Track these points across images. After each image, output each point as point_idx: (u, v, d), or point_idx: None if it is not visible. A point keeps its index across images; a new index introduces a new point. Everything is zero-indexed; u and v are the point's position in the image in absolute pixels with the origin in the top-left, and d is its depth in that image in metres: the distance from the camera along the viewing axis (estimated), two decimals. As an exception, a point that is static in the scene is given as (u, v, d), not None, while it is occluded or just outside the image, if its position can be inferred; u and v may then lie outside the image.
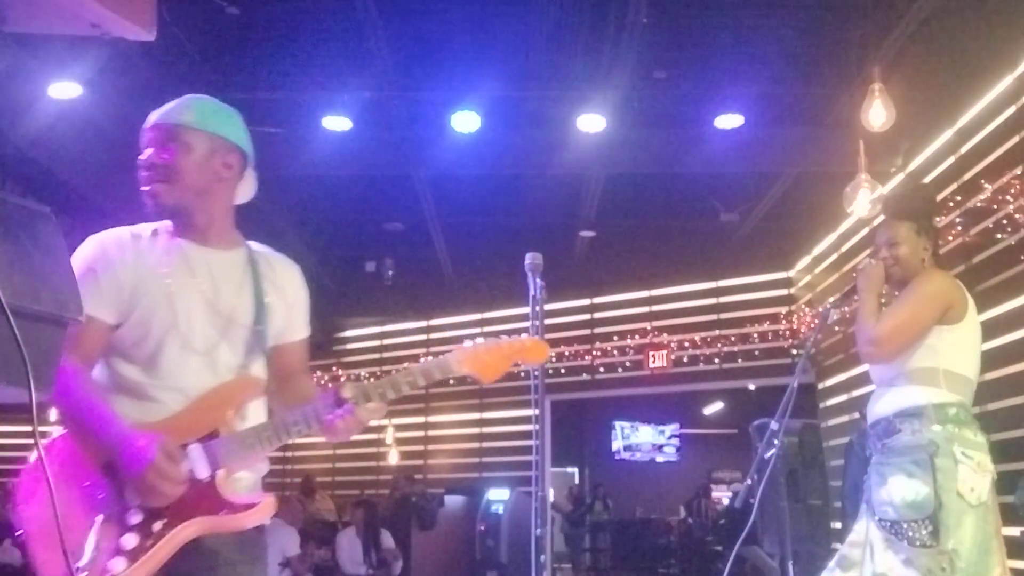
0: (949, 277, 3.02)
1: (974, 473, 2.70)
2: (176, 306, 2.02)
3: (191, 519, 1.89)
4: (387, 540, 8.00)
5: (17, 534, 1.88)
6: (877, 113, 5.52)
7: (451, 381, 13.08)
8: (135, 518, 1.86)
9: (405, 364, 2.14)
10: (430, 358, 2.20)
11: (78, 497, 1.87)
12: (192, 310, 2.04)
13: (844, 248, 8.70)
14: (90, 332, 1.96)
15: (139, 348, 2.00)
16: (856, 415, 7.58)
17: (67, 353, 1.90)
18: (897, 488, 2.73)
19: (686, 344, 10.56)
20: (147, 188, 2.15)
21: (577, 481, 16.72)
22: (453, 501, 9.90)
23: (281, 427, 2.05)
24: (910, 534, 2.66)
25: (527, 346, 2.18)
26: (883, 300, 3.03)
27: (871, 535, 2.80)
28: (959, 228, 6.29)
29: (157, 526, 1.87)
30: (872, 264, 3.04)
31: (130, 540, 1.84)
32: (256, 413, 2.10)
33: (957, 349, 2.86)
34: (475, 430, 11.78)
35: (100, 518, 1.85)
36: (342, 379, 12.57)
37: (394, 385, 2.11)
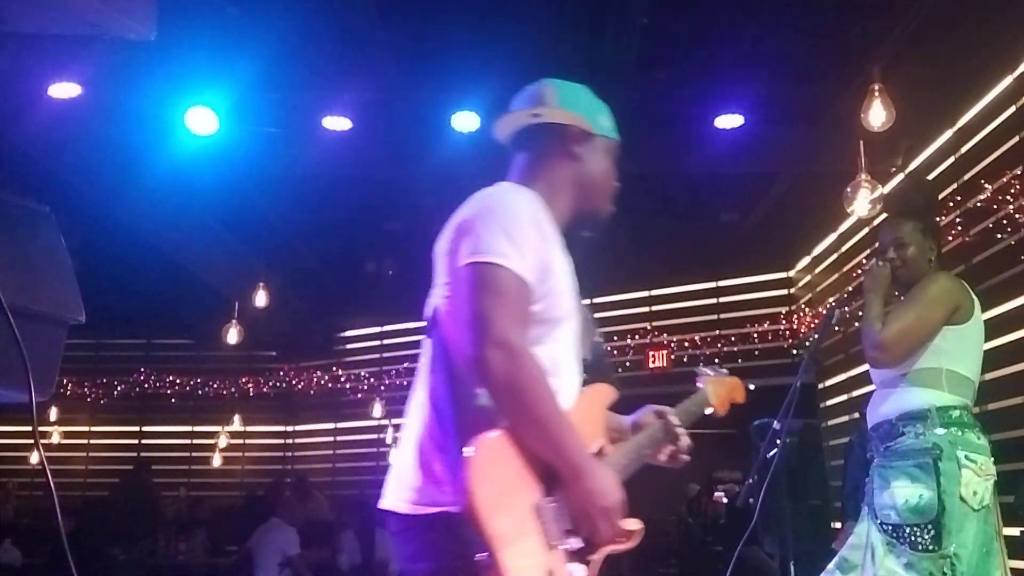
0: (954, 278, 3.00)
1: (977, 477, 2.69)
2: (572, 297, 1.82)
3: (605, 547, 1.71)
4: (382, 541, 7.98)
5: (479, 557, 1.48)
6: (877, 113, 5.52)
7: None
8: (575, 543, 1.64)
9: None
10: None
11: (531, 512, 1.58)
12: (574, 304, 1.83)
13: (844, 248, 8.69)
14: (527, 303, 1.66)
15: (539, 335, 1.71)
16: (856, 415, 7.58)
17: (517, 328, 1.62)
18: (900, 492, 2.72)
19: (686, 344, 10.55)
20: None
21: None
22: (453, 501, 9.89)
23: (637, 452, 1.92)
24: (912, 538, 2.65)
25: (737, 384, 2.41)
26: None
27: (872, 538, 2.79)
28: (959, 228, 6.28)
29: (593, 556, 1.69)
30: (878, 266, 3.01)
31: (579, 570, 1.64)
32: None
33: (961, 349, 2.84)
34: (475, 430, 11.77)
35: (558, 541, 1.61)
36: (341, 378, 12.57)
37: (689, 416, 2.17)
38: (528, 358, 1.60)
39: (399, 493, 1.69)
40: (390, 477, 1.76)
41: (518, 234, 1.69)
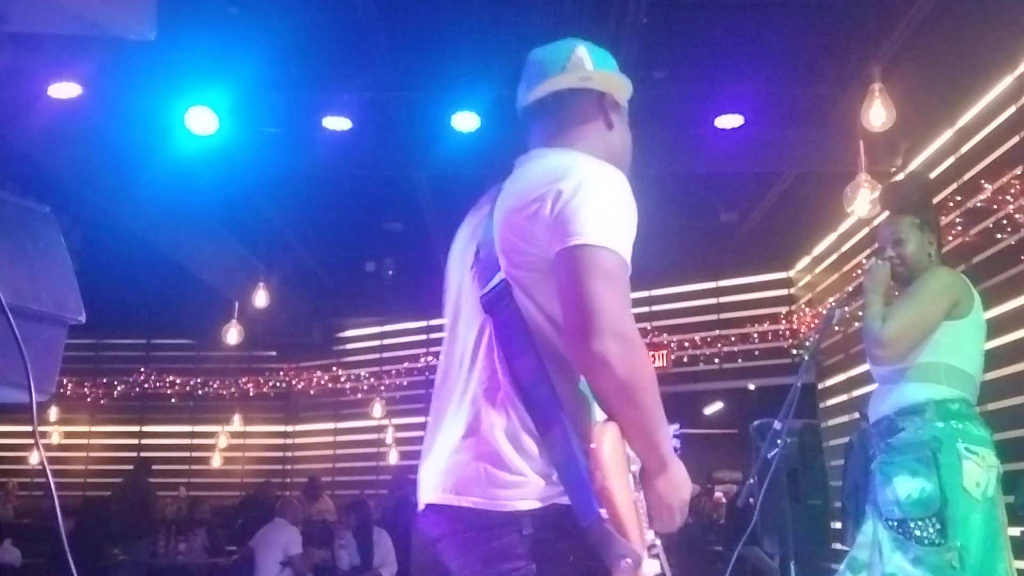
0: (954, 272, 3.00)
1: (979, 468, 2.68)
2: None
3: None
4: (380, 541, 7.96)
5: (602, 515, 1.44)
6: (877, 113, 5.53)
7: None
8: (651, 538, 1.59)
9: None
10: None
11: (632, 501, 1.53)
12: None
13: (844, 248, 8.70)
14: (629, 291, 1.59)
15: None
16: (856, 415, 7.58)
17: (631, 317, 1.53)
18: (902, 486, 2.72)
19: (686, 344, 10.55)
20: None
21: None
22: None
23: None
24: (917, 533, 2.65)
25: None
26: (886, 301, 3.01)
27: (878, 536, 2.79)
28: (959, 228, 6.28)
29: (660, 551, 1.62)
30: (878, 264, 3.00)
31: (653, 567, 1.53)
32: None
33: (959, 344, 2.83)
34: (475, 430, 11.76)
35: (645, 536, 1.54)
36: (341, 378, 12.58)
37: None
38: (644, 350, 1.53)
39: (479, 489, 1.54)
40: (457, 470, 1.58)
41: (621, 217, 1.63)
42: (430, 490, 1.62)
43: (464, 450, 1.58)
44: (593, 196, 1.59)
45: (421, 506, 1.66)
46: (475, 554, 1.57)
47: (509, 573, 1.52)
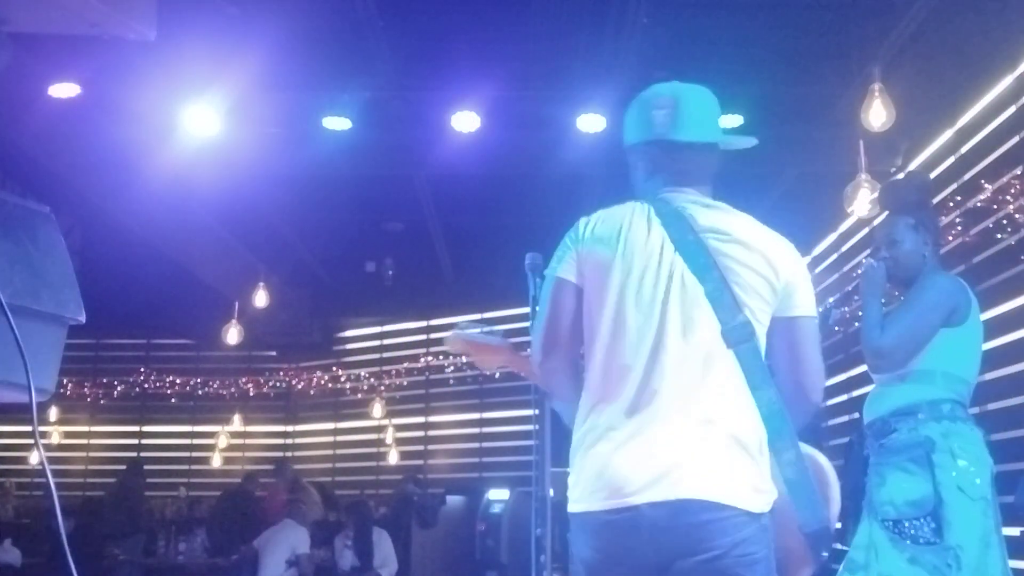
0: (952, 279, 2.99)
1: (972, 468, 2.70)
2: None
3: None
4: (380, 541, 7.96)
5: (831, 525, 2.07)
6: (877, 113, 5.52)
7: (451, 381, 12.92)
8: None
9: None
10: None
11: None
12: None
13: (844, 248, 8.69)
14: None
15: None
16: (856, 415, 7.57)
17: None
18: (897, 487, 2.74)
19: (686, 344, 10.53)
20: None
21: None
22: (453, 501, 9.90)
23: None
24: (912, 532, 2.66)
25: None
26: (884, 301, 3.01)
27: (874, 536, 2.80)
28: (959, 228, 6.28)
29: None
30: (873, 265, 3.01)
31: None
32: None
33: (957, 350, 2.85)
34: (475, 430, 11.78)
35: None
36: (341, 378, 12.59)
37: None
38: None
39: (739, 492, 1.83)
40: (712, 472, 1.83)
41: None
42: (681, 487, 1.82)
43: (723, 457, 1.85)
44: (806, 272, 2.09)
45: (650, 500, 1.82)
46: (726, 540, 1.82)
47: (749, 555, 1.83)
